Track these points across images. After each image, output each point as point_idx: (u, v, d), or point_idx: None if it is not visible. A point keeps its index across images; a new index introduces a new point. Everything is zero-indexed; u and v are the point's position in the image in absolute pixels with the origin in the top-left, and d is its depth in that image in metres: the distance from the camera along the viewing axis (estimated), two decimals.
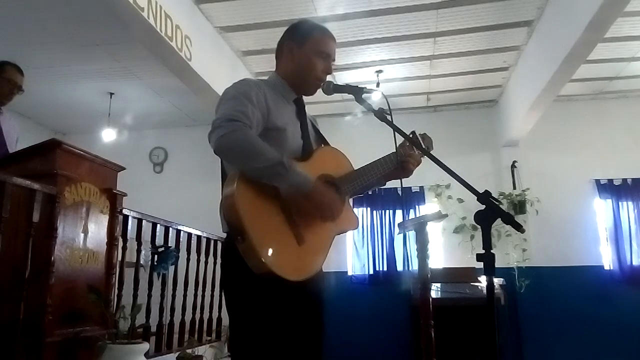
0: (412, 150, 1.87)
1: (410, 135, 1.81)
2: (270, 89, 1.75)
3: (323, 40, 1.80)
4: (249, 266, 1.51)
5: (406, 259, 6.07)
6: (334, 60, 1.83)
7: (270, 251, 1.50)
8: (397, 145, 1.82)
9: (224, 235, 1.66)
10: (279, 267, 1.50)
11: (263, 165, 1.52)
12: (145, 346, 2.97)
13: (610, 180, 6.25)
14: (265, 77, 1.86)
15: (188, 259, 4.43)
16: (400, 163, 1.84)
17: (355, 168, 1.84)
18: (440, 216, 2.64)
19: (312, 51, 1.77)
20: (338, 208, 1.66)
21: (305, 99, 1.87)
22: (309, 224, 1.62)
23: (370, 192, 2.09)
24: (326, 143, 1.88)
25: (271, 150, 1.55)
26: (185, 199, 6.42)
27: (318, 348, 1.70)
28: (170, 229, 4.11)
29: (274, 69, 1.88)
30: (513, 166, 6.35)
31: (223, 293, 1.68)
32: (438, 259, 6.25)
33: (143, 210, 3.72)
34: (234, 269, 1.60)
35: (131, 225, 3.54)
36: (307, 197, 1.57)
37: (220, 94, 1.73)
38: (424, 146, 1.86)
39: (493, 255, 1.40)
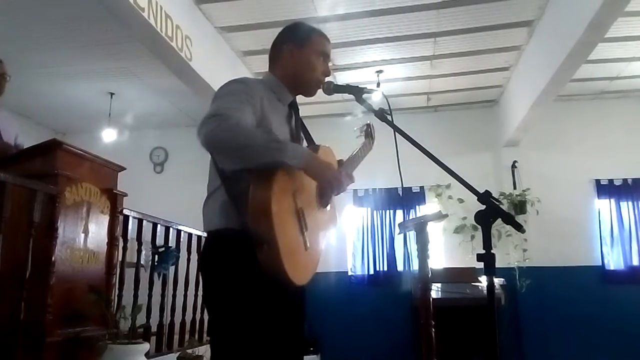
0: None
1: (366, 127, 2.10)
2: (267, 89, 1.74)
3: (322, 42, 1.82)
4: (264, 270, 1.49)
5: (406, 259, 6.08)
6: (330, 60, 1.85)
7: (290, 260, 1.51)
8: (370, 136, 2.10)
9: None
10: (294, 274, 1.53)
11: (260, 143, 1.48)
12: (146, 346, 2.97)
13: (611, 180, 6.25)
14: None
15: (188, 259, 4.42)
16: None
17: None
18: (440, 216, 2.65)
19: (312, 52, 1.78)
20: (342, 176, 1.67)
21: (305, 99, 1.88)
22: (312, 227, 1.64)
23: None
24: (313, 143, 1.89)
25: (262, 131, 1.58)
26: (186, 199, 6.34)
27: (299, 339, 1.75)
28: (171, 229, 4.11)
29: None
30: (513, 166, 6.35)
31: (206, 290, 1.61)
32: (438, 259, 6.25)
33: (143, 210, 3.72)
34: (226, 267, 1.57)
35: (132, 225, 3.54)
36: (315, 161, 1.60)
37: None
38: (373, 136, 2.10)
39: (493, 255, 1.41)
